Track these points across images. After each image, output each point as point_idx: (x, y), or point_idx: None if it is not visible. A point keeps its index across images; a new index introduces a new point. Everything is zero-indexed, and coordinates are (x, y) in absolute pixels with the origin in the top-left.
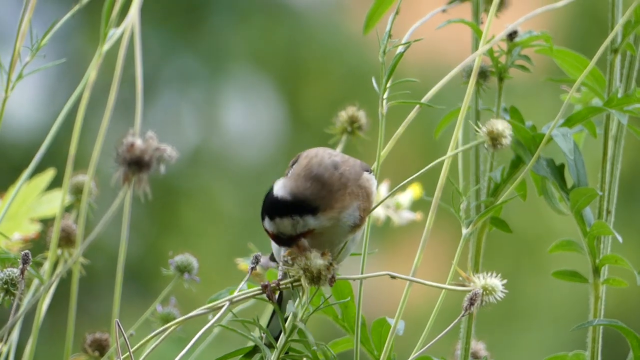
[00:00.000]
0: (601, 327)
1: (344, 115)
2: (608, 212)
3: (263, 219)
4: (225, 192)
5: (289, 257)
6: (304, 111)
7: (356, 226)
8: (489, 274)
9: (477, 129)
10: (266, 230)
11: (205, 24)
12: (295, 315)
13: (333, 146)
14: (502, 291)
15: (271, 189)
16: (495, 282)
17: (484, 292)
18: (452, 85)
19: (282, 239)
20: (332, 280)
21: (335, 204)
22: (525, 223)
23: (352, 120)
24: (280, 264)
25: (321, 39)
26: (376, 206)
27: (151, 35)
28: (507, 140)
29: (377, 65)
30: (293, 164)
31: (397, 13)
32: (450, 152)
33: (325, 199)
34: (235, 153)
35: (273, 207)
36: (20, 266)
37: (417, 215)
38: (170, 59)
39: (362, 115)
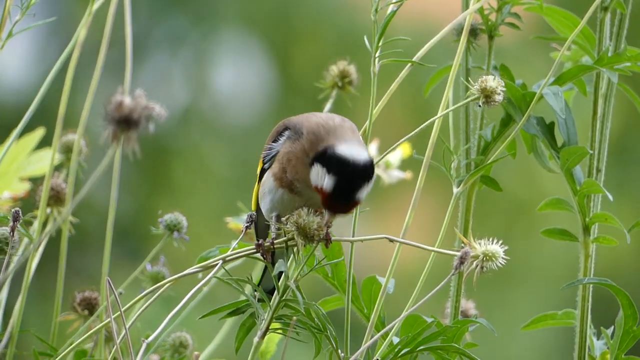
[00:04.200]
0: (591, 285)
1: (334, 69)
2: (598, 170)
3: (356, 185)
4: (215, 153)
5: (284, 216)
6: (294, 73)
7: None
8: (489, 239)
9: (470, 86)
10: (344, 198)
11: None
12: (287, 276)
13: (322, 101)
14: (502, 257)
15: (344, 155)
16: (496, 248)
17: (484, 258)
18: (442, 46)
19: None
20: (328, 241)
21: None
22: (515, 183)
23: (343, 75)
24: (273, 222)
25: (312, 0)
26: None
27: None
28: (499, 97)
29: (367, 28)
30: (279, 133)
31: None
32: (442, 111)
33: None
34: (225, 114)
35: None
36: (11, 224)
37: (406, 174)
38: (160, 20)
39: (353, 70)
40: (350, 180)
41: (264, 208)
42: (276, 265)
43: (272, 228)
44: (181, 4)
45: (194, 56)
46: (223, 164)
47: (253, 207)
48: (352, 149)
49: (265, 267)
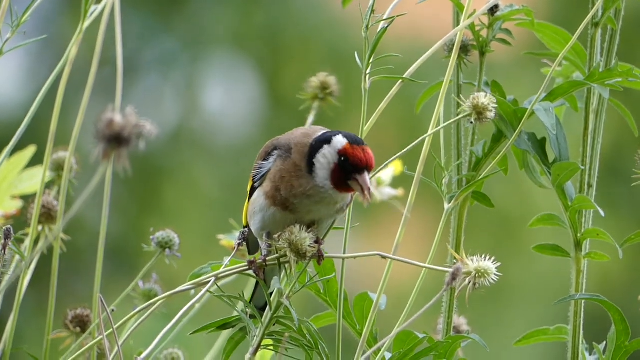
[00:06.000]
0: (583, 301)
1: (315, 81)
2: (590, 186)
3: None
4: (205, 172)
5: (275, 234)
6: (283, 92)
7: (342, 209)
8: (481, 256)
9: (462, 102)
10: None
11: (185, 5)
12: (280, 292)
13: (304, 112)
14: (495, 274)
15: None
16: (488, 264)
17: (477, 275)
18: (433, 61)
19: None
20: (320, 258)
21: None
22: (505, 200)
23: (324, 87)
24: (264, 239)
25: (301, 18)
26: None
27: (131, 16)
28: (491, 114)
29: (357, 45)
30: (269, 153)
31: None
32: (432, 127)
33: None
34: (215, 133)
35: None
36: (2, 241)
37: (398, 191)
38: (150, 41)
39: (333, 82)
40: (355, 137)
41: (254, 227)
42: (272, 282)
43: (263, 245)
44: (171, 25)
45: (184, 76)
46: (212, 183)
47: (244, 222)
48: (339, 132)
49: (257, 284)
